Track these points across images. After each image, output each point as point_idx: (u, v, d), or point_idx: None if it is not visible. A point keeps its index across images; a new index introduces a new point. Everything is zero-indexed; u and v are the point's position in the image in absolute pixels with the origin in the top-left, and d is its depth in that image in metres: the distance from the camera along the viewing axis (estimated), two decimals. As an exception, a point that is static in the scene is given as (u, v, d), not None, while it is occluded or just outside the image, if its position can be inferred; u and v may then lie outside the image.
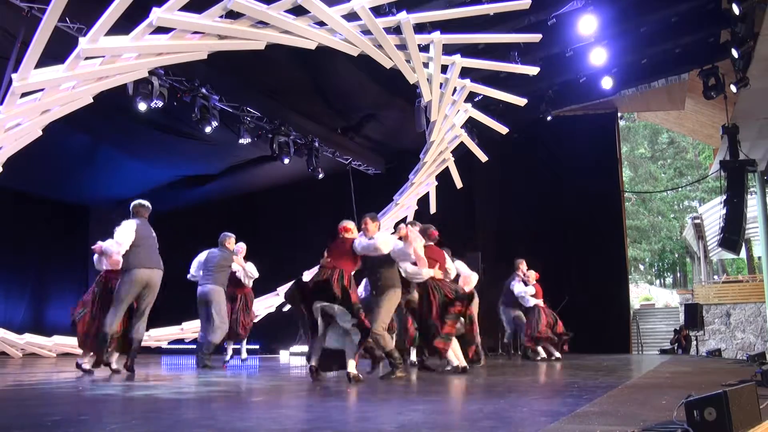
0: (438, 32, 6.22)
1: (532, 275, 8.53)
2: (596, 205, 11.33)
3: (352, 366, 4.79)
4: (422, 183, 8.79)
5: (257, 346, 12.51)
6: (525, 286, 8.41)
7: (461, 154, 9.00)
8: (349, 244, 5.20)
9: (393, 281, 5.31)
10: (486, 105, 8.96)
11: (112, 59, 4.90)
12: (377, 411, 3.07)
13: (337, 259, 5.10)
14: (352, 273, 5.09)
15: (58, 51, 4.67)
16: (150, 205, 6.07)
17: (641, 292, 31.20)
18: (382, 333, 5.08)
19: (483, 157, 8.68)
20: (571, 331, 8.60)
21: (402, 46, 6.10)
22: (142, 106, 7.34)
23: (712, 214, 19.96)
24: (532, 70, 7.18)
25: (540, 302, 8.43)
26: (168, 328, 10.19)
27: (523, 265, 8.58)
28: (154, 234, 5.90)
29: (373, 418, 2.78)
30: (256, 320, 10.42)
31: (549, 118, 10.54)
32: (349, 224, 5.45)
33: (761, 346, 17.35)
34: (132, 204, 6.02)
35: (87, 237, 13.20)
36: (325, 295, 4.80)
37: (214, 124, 8.24)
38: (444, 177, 8.92)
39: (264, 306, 9.98)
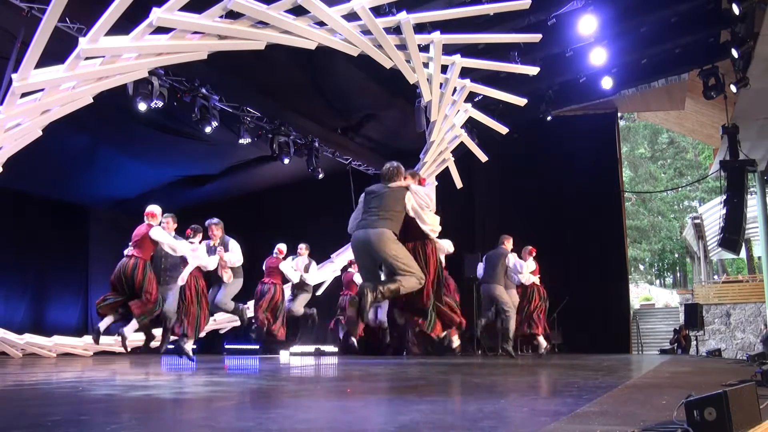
0: (438, 32, 6.22)
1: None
2: (596, 205, 11.32)
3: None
4: (422, 183, 8.78)
5: (257, 346, 12.52)
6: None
7: (461, 154, 9.00)
8: (148, 232, 6.12)
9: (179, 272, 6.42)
10: (486, 105, 8.96)
11: (112, 59, 4.90)
12: (377, 411, 3.06)
13: (136, 247, 6.10)
14: (149, 260, 6.10)
15: (58, 51, 4.67)
16: None
17: (641, 292, 31.19)
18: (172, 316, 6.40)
19: (483, 157, 8.68)
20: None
21: (402, 46, 6.10)
22: (142, 106, 7.34)
23: (712, 214, 19.96)
24: (532, 70, 7.18)
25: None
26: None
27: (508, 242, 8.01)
28: None
29: (373, 418, 2.78)
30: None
31: (549, 118, 10.54)
32: (156, 209, 6.30)
33: (761, 346, 17.34)
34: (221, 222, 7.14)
35: (87, 237, 13.22)
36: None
37: (214, 124, 8.24)
38: (444, 177, 8.91)
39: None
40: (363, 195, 4.57)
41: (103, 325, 6.16)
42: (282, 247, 8.91)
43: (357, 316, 4.32)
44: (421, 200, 4.53)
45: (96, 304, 6.19)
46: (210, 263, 6.75)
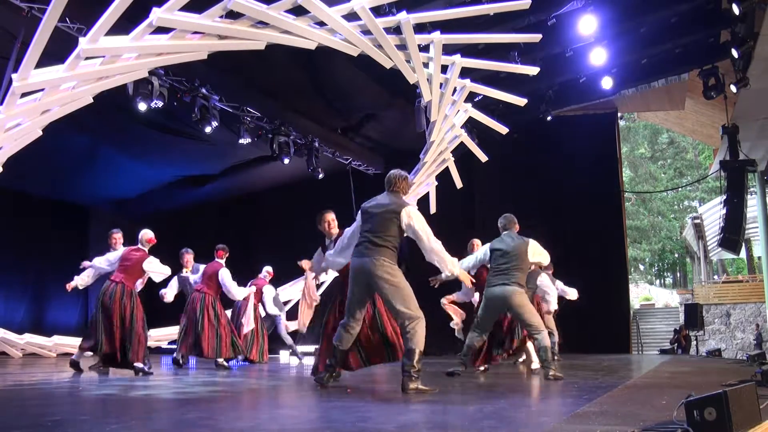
0: (438, 32, 6.22)
1: None
2: (596, 205, 11.32)
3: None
4: (422, 183, 8.79)
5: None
6: None
7: (461, 154, 9.00)
8: (143, 260, 5.91)
9: None
10: (486, 105, 8.96)
11: (112, 59, 4.90)
12: (377, 411, 3.06)
13: (123, 272, 5.87)
14: (135, 288, 5.90)
15: (58, 51, 4.67)
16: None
17: (641, 292, 31.22)
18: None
19: (483, 157, 8.68)
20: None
21: (402, 46, 6.10)
22: (142, 106, 7.34)
23: (712, 214, 19.98)
24: (532, 70, 7.18)
25: None
26: (168, 328, 10.22)
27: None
28: None
29: (373, 418, 2.78)
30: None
31: (549, 118, 10.53)
32: (152, 236, 6.06)
33: (754, 346, 17.37)
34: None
35: (87, 237, 13.23)
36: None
37: (214, 124, 8.24)
38: (444, 177, 8.91)
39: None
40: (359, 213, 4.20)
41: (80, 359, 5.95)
42: (270, 269, 8.98)
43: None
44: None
45: (87, 348, 5.88)
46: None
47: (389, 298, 3.89)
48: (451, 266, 4.03)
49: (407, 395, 3.67)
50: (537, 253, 5.31)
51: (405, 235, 4.07)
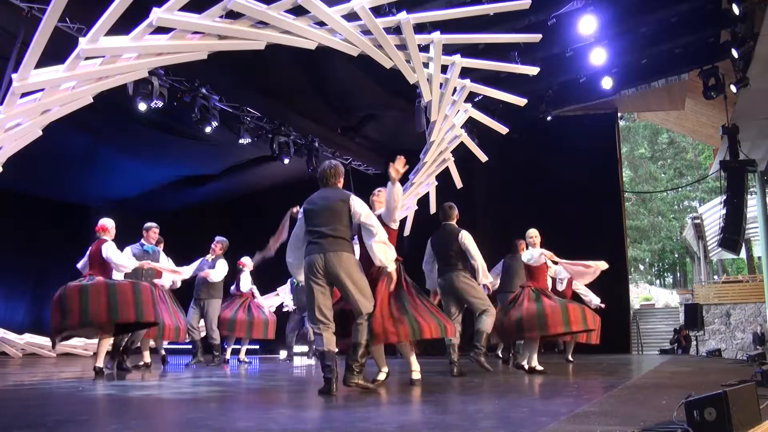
0: (438, 32, 6.22)
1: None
2: (596, 205, 11.32)
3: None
4: (422, 183, 8.78)
5: (257, 346, 12.51)
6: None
7: (461, 154, 9.00)
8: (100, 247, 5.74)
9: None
10: (486, 105, 8.96)
11: (112, 59, 4.89)
12: (377, 411, 3.06)
13: (93, 267, 5.79)
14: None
15: (58, 51, 4.67)
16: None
17: (641, 292, 31.22)
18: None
19: (483, 157, 8.67)
20: None
21: (402, 46, 6.09)
22: (142, 106, 7.34)
23: (712, 214, 19.99)
24: (532, 70, 7.18)
25: None
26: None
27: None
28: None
29: (373, 418, 2.78)
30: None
31: (549, 118, 10.53)
32: (108, 223, 5.99)
33: (761, 346, 17.35)
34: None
35: (87, 237, 13.21)
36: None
37: (214, 124, 8.24)
38: (444, 177, 8.91)
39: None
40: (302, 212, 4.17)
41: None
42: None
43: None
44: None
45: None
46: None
47: (351, 292, 3.86)
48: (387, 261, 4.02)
49: (349, 387, 3.81)
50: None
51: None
